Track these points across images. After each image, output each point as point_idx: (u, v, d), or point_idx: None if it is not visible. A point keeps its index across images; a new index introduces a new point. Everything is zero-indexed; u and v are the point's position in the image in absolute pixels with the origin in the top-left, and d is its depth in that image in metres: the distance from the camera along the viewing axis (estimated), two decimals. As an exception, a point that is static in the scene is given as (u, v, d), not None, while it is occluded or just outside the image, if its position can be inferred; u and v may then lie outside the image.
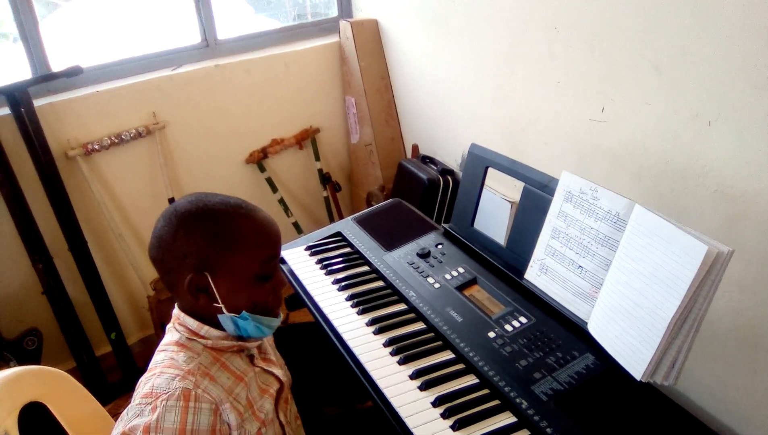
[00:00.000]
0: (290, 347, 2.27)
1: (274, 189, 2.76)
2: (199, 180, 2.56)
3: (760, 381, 1.47)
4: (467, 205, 1.56)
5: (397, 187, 2.62)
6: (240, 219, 1.01)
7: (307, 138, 2.81)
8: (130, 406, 0.96)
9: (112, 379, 2.38)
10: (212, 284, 1.00)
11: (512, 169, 1.43)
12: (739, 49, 1.29)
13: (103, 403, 1.24)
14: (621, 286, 1.11)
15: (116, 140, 2.24)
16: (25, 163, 2.05)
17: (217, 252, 0.99)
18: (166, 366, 0.98)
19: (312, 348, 2.32)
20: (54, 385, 1.13)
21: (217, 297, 1.00)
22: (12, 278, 2.17)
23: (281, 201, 2.79)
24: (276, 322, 1.09)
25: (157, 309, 2.44)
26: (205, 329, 1.04)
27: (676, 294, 0.99)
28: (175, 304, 1.09)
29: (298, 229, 2.83)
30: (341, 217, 2.94)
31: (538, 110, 1.92)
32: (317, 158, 2.86)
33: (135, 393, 0.98)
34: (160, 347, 1.05)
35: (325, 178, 2.89)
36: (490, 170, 1.51)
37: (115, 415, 1.20)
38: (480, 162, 1.51)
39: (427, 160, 2.55)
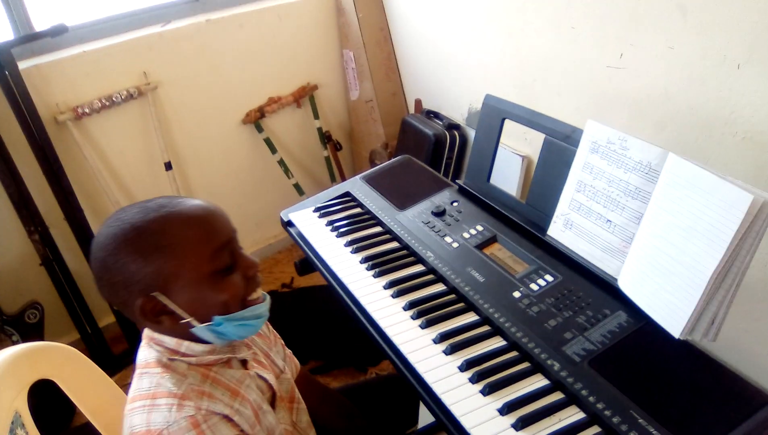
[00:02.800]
0: (299, 312, 2.23)
1: (273, 150, 2.68)
2: (195, 142, 2.48)
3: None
4: (482, 160, 1.49)
5: (401, 144, 2.55)
6: (165, 221, 0.88)
7: (305, 95, 2.72)
8: None
9: (117, 349, 2.34)
10: (168, 302, 0.87)
11: (532, 120, 1.36)
12: (775, -16, 1.21)
13: (110, 375, 1.19)
14: (655, 241, 1.05)
15: (107, 103, 2.15)
16: (13, 130, 1.96)
17: (157, 267, 0.86)
18: (156, 395, 0.87)
19: (320, 312, 2.28)
20: (62, 362, 1.07)
21: (181, 313, 0.88)
22: (8, 251, 2.11)
23: (281, 162, 2.71)
24: (262, 308, 0.96)
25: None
26: (186, 345, 0.92)
27: (718, 247, 0.94)
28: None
29: (300, 191, 2.76)
30: (343, 177, 2.87)
31: (552, 59, 1.84)
32: (316, 116, 2.77)
33: (125, 428, 0.87)
34: (139, 368, 0.93)
35: (325, 137, 2.81)
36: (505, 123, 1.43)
37: (123, 385, 1.16)
38: (496, 113, 1.44)
39: (432, 115, 2.47)
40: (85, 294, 2.21)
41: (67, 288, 2.15)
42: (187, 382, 0.89)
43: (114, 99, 2.15)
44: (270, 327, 1.20)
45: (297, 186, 2.77)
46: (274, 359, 1.13)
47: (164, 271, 0.86)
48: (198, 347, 0.93)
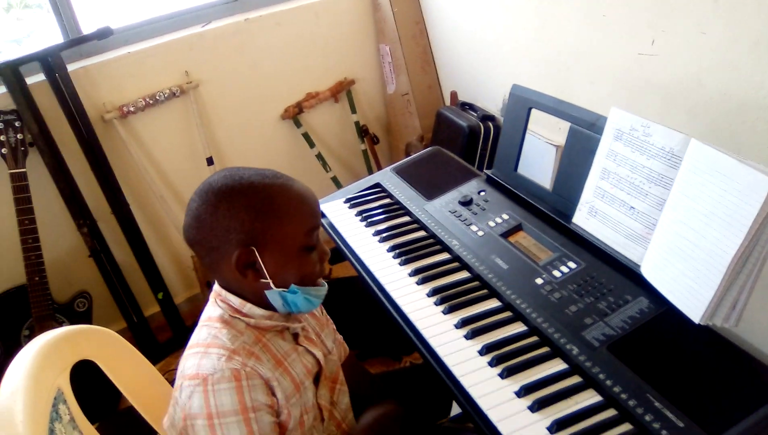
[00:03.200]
0: (334, 302, 2.28)
1: (311, 144, 2.73)
2: (235, 138, 2.55)
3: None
4: (510, 150, 1.49)
5: (436, 136, 2.56)
6: (281, 190, 0.98)
7: (342, 90, 2.76)
8: (178, 384, 0.94)
9: (162, 338, 2.44)
10: (260, 259, 0.96)
11: (557, 108, 1.36)
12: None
13: (154, 362, 1.26)
14: (677, 226, 1.05)
15: (151, 101, 2.23)
16: (64, 129, 2.07)
17: (263, 225, 0.95)
18: (210, 345, 0.96)
19: (356, 302, 2.32)
20: (101, 343, 1.14)
21: (265, 272, 0.97)
22: (59, 243, 2.22)
23: (319, 156, 2.76)
24: (323, 291, 1.06)
25: (201, 268, 2.47)
26: (248, 307, 1.00)
27: (738, 231, 0.93)
28: (215, 282, 1.06)
29: (338, 184, 2.81)
30: (380, 170, 2.90)
31: (584, 47, 1.83)
32: (353, 111, 2.81)
33: (180, 369, 0.96)
34: (201, 321, 1.02)
35: (362, 131, 2.85)
36: (534, 112, 1.44)
37: (167, 372, 1.22)
38: (522, 103, 1.44)
39: (467, 106, 2.47)
40: (131, 284, 2.30)
41: (114, 278, 2.24)
42: (241, 339, 0.97)
43: (157, 97, 2.24)
44: (324, 311, 1.27)
45: (335, 179, 2.81)
46: (324, 340, 1.19)
47: (268, 230, 0.95)
48: (258, 311, 1.01)
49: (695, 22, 1.45)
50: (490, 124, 2.34)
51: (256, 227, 0.95)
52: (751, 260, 0.95)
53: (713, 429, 0.86)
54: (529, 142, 1.48)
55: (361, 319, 2.24)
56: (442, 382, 1.08)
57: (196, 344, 0.98)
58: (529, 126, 1.46)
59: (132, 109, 2.19)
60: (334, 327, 1.28)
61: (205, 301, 1.06)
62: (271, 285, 0.98)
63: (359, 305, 2.29)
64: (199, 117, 2.38)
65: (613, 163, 1.21)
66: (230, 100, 2.47)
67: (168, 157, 2.38)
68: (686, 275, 1.02)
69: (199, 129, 2.39)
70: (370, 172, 2.94)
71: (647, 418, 0.89)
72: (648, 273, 1.11)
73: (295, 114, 2.65)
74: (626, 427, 0.91)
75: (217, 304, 1.03)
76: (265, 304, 1.01)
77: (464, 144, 2.33)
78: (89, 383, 1.22)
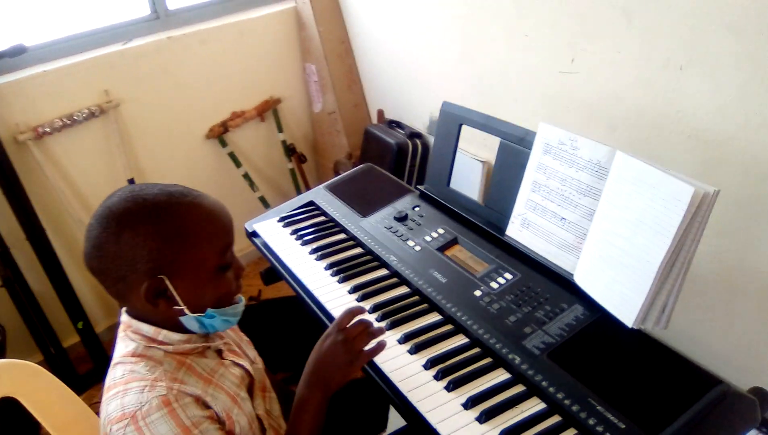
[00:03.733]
0: (266, 324, 2.23)
1: (238, 164, 2.68)
2: (158, 158, 2.47)
3: (738, 324, 1.50)
4: (442, 165, 1.52)
5: (364, 153, 2.58)
6: (189, 209, 0.91)
7: (269, 109, 2.74)
8: (105, 433, 0.87)
9: (82, 369, 2.31)
10: (171, 287, 0.89)
11: (487, 124, 1.40)
12: (710, -10, 1.28)
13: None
14: (607, 235, 1.09)
15: (68, 122, 2.13)
16: (-28, 151, 1.94)
17: (173, 250, 0.88)
18: (129, 380, 0.88)
19: (287, 323, 2.28)
20: (25, 378, 1.07)
21: (179, 300, 0.91)
22: (-32, 272, 2.06)
23: (246, 175, 2.71)
24: (241, 308, 1.01)
25: (124, 294, 2.36)
26: (164, 334, 0.94)
27: (665, 238, 0.98)
28: (122, 310, 0.98)
29: (265, 204, 2.77)
30: (308, 188, 2.88)
31: (507, 66, 1.89)
32: (280, 130, 2.79)
33: (103, 416, 0.88)
34: (115, 360, 0.94)
35: (289, 150, 2.83)
36: (463, 129, 1.47)
37: (91, 404, 1.15)
38: (453, 119, 1.47)
39: (394, 124, 2.51)
40: (48, 314, 2.17)
41: (29, 308, 2.11)
42: (161, 368, 0.91)
43: (75, 118, 2.14)
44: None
45: (262, 199, 2.77)
46: (246, 350, 1.15)
47: (178, 256, 0.89)
48: (176, 336, 0.95)
49: (612, 42, 1.54)
50: (418, 142, 2.38)
51: (165, 254, 0.88)
52: (677, 265, 1.00)
53: (652, 428, 0.89)
54: (458, 158, 1.51)
55: (294, 339, 2.20)
56: (379, 396, 1.07)
57: (114, 385, 0.90)
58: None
59: (48, 129, 2.08)
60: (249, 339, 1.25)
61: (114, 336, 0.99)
62: (186, 311, 0.92)
63: (291, 326, 2.25)
64: (120, 137, 2.29)
65: (543, 176, 1.25)
66: (153, 119, 2.39)
67: (87, 179, 2.28)
68: (618, 281, 1.06)
69: (120, 150, 2.29)
70: (298, 190, 2.92)
71: (591, 422, 0.92)
72: (581, 281, 1.15)
73: (220, 133, 2.60)
74: (571, 432, 0.94)
75: (128, 338, 0.95)
76: (181, 328, 0.96)
77: (393, 161, 2.35)
78: (6, 419, 1.13)
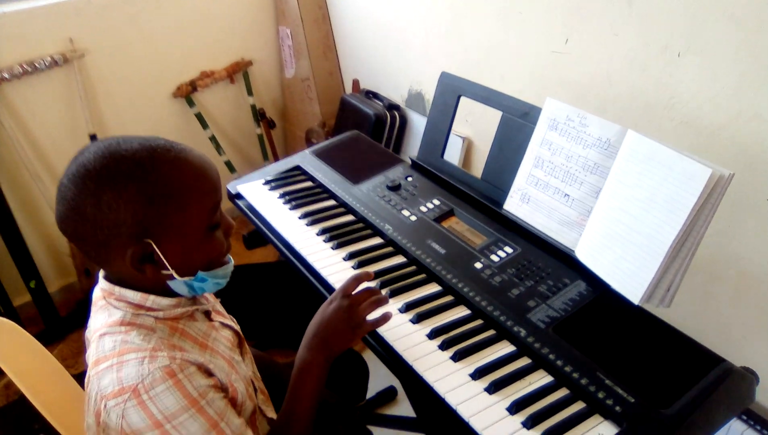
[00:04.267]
0: (249, 290, 2.16)
1: (205, 125, 2.58)
2: (122, 115, 2.35)
3: (713, 306, 1.55)
4: (437, 136, 1.50)
5: (339, 123, 2.52)
6: (175, 165, 0.82)
7: (239, 71, 2.64)
8: (98, 408, 0.80)
9: (32, 331, 2.18)
10: (158, 251, 0.83)
11: (489, 97, 1.38)
12: (718, -23, 1.29)
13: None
14: (615, 213, 1.10)
15: (29, 69, 1.99)
16: None
17: (159, 211, 0.81)
18: (123, 352, 0.81)
19: (273, 289, 2.22)
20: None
21: (166, 264, 0.84)
22: None
23: (212, 138, 2.61)
24: (230, 268, 0.95)
25: (79, 255, 2.24)
26: (151, 299, 0.87)
27: (677, 218, 0.99)
28: (99, 274, 0.90)
29: (231, 169, 2.68)
30: (276, 155, 2.81)
31: (497, 43, 1.88)
32: (250, 93, 2.70)
33: (94, 391, 0.81)
34: (100, 331, 0.85)
35: (258, 115, 2.74)
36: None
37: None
38: (452, 90, 1.45)
39: (371, 95, 2.46)
40: (-1, 272, 2.05)
41: (-21, 265, 1.99)
42: (155, 335, 0.85)
43: (37, 65, 2.00)
44: None
45: (228, 163, 2.68)
46: (222, 311, 1.10)
47: (166, 217, 0.82)
48: (164, 301, 0.89)
49: (609, 24, 1.54)
50: (396, 114, 2.35)
51: (151, 216, 0.81)
52: (687, 245, 1.01)
53: (661, 402, 0.91)
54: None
55: (262, 308, 2.16)
56: (358, 367, 1.05)
57: (104, 358, 0.82)
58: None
59: (6, 75, 1.94)
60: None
61: (85, 297, 0.91)
62: (175, 275, 0.86)
63: (260, 293, 2.20)
64: (84, 90, 2.16)
65: (547, 152, 1.25)
66: (119, 73, 2.27)
67: (46, 132, 2.14)
68: (625, 259, 1.07)
69: (83, 103, 2.16)
70: (266, 157, 2.84)
71: (600, 395, 0.93)
72: (584, 257, 1.16)
73: (188, 92, 2.49)
74: (580, 404, 0.94)
75: (111, 307, 0.87)
76: (169, 292, 0.90)
77: (370, 132, 2.31)
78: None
